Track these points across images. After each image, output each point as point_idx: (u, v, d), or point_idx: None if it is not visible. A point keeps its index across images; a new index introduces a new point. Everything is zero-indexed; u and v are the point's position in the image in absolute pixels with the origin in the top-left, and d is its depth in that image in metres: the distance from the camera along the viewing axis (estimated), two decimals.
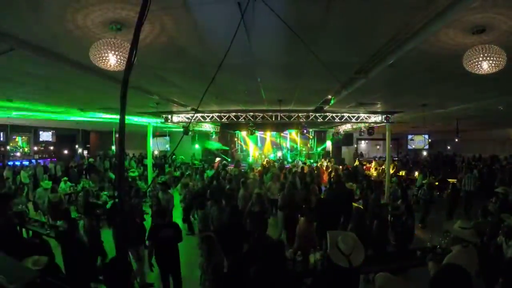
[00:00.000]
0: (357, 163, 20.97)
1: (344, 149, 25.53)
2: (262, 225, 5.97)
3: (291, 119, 14.03)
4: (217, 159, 22.61)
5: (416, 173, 16.68)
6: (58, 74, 6.69)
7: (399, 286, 2.72)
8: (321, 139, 26.64)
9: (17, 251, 4.01)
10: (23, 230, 7.86)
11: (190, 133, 17.53)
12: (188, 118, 14.28)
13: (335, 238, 3.17)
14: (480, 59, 4.15)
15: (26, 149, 21.41)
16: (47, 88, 8.06)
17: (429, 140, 26.87)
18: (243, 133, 24.86)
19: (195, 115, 13.92)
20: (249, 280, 3.78)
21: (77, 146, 25.39)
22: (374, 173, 18.14)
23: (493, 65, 4.16)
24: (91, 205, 8.50)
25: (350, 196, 9.83)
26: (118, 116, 2.45)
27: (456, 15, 3.51)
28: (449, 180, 14.77)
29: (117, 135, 23.67)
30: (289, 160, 23.80)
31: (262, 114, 13.79)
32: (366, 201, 10.29)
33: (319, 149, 26.26)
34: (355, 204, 9.76)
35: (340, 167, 18.10)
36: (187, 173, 16.02)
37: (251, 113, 13.84)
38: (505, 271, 5.05)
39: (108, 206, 10.89)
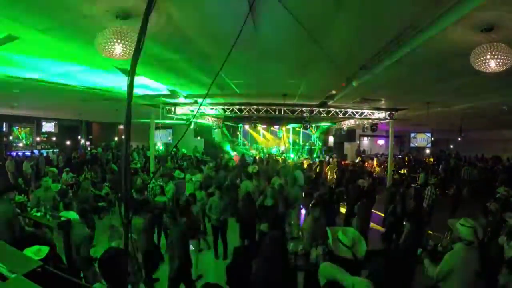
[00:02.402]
0: (359, 159, 20.94)
1: (346, 145, 25.47)
2: (275, 219, 6.05)
3: (295, 114, 13.99)
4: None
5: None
6: (62, 64, 6.67)
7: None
8: (323, 134, 26.66)
9: (18, 241, 4.03)
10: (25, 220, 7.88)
11: (192, 125, 17.58)
12: (191, 110, 14.25)
13: (336, 233, 3.22)
14: (488, 57, 4.12)
15: (26, 141, 21.42)
16: (51, 79, 8.05)
17: (432, 139, 26.84)
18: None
19: (199, 107, 13.88)
20: (251, 273, 3.79)
21: (79, 137, 25.43)
22: (378, 169, 18.11)
23: (500, 63, 4.13)
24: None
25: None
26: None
27: (464, 12, 3.47)
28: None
29: (120, 127, 23.82)
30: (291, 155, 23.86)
31: (265, 108, 13.75)
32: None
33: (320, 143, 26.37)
34: None
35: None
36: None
37: (255, 107, 13.80)
38: (506, 272, 5.02)
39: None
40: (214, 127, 21.95)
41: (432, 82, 7.83)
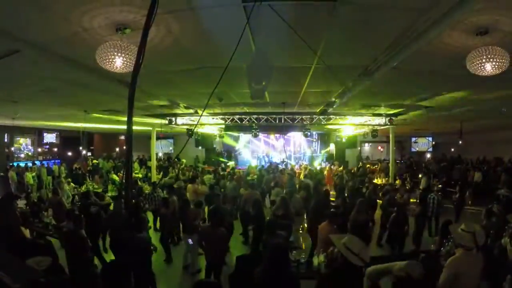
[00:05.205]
0: (360, 165, 20.89)
1: (347, 151, 25.43)
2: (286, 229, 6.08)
3: (295, 122, 14.02)
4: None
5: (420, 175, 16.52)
6: (64, 76, 6.72)
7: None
8: (324, 142, 26.65)
9: (21, 252, 4.03)
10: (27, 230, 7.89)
11: (194, 136, 17.67)
12: (192, 120, 14.29)
13: (341, 241, 3.25)
14: (484, 60, 4.15)
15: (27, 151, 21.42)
16: (52, 90, 8.10)
17: (433, 143, 26.80)
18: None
19: (199, 117, 13.93)
20: (253, 281, 3.78)
21: (81, 148, 25.46)
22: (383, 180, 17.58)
23: (496, 66, 4.16)
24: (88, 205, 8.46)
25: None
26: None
27: (459, 17, 3.51)
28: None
29: (121, 137, 23.86)
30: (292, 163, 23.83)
31: (266, 117, 13.79)
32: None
33: (322, 152, 26.33)
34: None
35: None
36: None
37: (255, 116, 13.83)
38: (509, 274, 5.00)
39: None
40: (215, 137, 21.96)
41: (430, 87, 7.86)
